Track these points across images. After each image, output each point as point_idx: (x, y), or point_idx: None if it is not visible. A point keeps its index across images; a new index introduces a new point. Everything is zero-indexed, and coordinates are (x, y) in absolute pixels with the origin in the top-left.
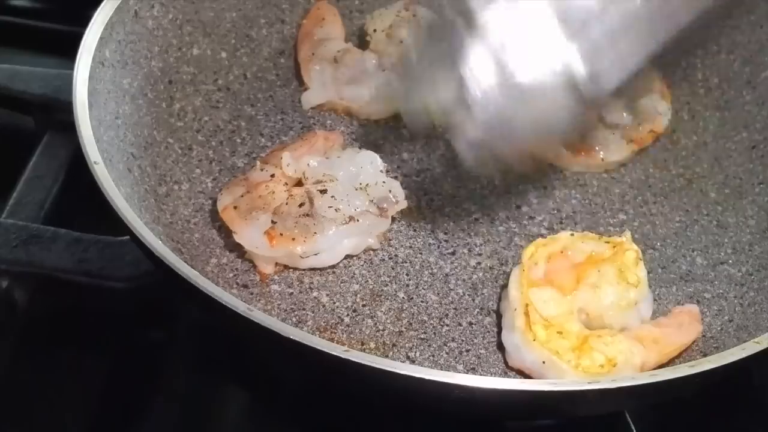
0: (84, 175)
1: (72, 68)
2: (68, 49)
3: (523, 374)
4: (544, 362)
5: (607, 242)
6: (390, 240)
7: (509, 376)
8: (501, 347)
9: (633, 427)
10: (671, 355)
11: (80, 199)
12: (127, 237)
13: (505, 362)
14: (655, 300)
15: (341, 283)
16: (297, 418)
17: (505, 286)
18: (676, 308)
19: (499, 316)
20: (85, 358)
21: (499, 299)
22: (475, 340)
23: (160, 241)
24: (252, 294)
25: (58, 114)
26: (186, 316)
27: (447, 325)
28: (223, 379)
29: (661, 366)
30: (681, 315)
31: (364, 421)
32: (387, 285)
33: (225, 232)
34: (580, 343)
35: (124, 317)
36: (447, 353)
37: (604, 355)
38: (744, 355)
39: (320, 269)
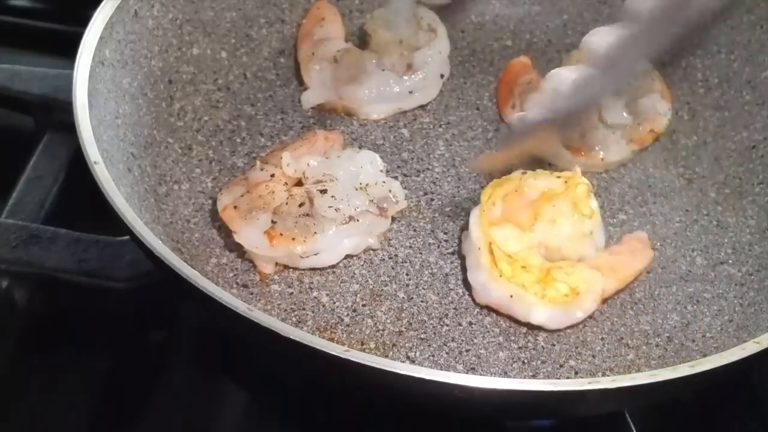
0: (84, 175)
1: (72, 68)
2: (68, 49)
3: (492, 310)
4: (511, 296)
5: (559, 177)
6: (390, 240)
7: (509, 377)
8: (501, 347)
9: (633, 427)
10: (628, 280)
11: (80, 199)
12: (127, 237)
13: (473, 301)
14: (654, 300)
15: (341, 283)
16: (297, 418)
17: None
18: (626, 236)
19: (499, 315)
20: (85, 358)
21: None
22: (475, 340)
23: (160, 241)
24: (252, 294)
25: (58, 114)
26: (186, 316)
27: (447, 325)
28: (223, 379)
29: (619, 292)
30: (632, 242)
31: (364, 421)
32: (387, 285)
33: (225, 232)
34: (543, 275)
35: (124, 317)
36: (447, 353)
37: (567, 284)
38: (744, 355)
39: (320, 269)
